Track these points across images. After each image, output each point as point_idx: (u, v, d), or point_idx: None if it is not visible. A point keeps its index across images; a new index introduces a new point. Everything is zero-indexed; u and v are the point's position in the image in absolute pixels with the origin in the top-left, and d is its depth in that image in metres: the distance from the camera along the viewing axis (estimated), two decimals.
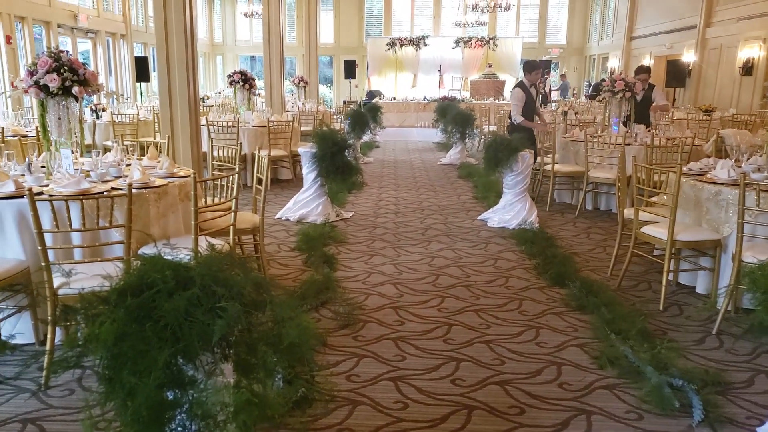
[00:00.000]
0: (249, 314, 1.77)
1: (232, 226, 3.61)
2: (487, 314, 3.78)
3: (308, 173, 6.23)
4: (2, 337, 3.24)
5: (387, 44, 23.37)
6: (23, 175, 3.66)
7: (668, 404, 2.65)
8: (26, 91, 3.59)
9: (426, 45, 23.20)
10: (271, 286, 1.89)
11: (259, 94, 12.94)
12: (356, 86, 23.38)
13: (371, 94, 22.00)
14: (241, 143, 6.05)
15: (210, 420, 1.72)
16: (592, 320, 3.61)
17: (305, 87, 13.27)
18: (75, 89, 3.60)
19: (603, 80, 7.31)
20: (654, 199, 4.49)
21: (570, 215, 6.60)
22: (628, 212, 4.30)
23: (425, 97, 21.36)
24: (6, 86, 11.18)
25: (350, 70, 22.32)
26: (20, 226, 3.12)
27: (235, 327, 1.71)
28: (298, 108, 12.21)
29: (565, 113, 9.62)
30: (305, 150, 6.19)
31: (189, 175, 3.93)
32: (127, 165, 3.97)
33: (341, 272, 4.57)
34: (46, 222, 2.98)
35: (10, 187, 3.20)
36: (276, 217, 6.28)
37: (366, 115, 10.69)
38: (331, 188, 6.23)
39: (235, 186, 3.53)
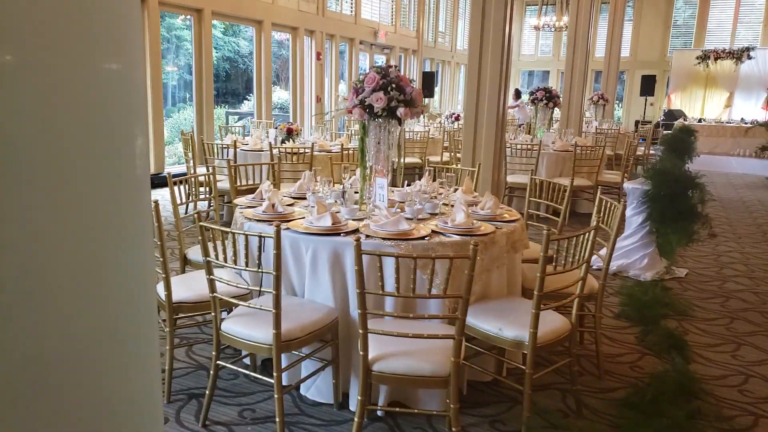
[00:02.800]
0: None
1: (577, 298, 2.67)
2: None
3: (634, 215, 5.01)
4: (300, 392, 2.84)
5: (697, 57, 20.22)
6: (336, 202, 3.28)
7: None
8: (350, 111, 3.18)
9: (750, 58, 19.45)
10: None
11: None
12: (651, 105, 20.85)
13: (671, 114, 19.29)
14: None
15: None
16: None
17: (604, 105, 11.84)
18: (400, 110, 3.06)
19: None
20: None
21: None
22: None
23: (743, 119, 17.90)
24: (313, 100, 12.18)
25: (648, 86, 19.93)
26: (333, 267, 2.65)
27: None
28: (595, 128, 10.88)
29: None
30: (633, 186, 5.00)
31: (516, 219, 3.14)
32: (444, 203, 3.34)
33: (699, 365, 3.32)
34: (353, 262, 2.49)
35: (327, 222, 2.76)
36: None
37: (686, 140, 8.87)
38: (665, 238, 4.92)
39: (589, 245, 2.58)
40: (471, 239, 2.72)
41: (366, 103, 3.07)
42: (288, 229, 2.79)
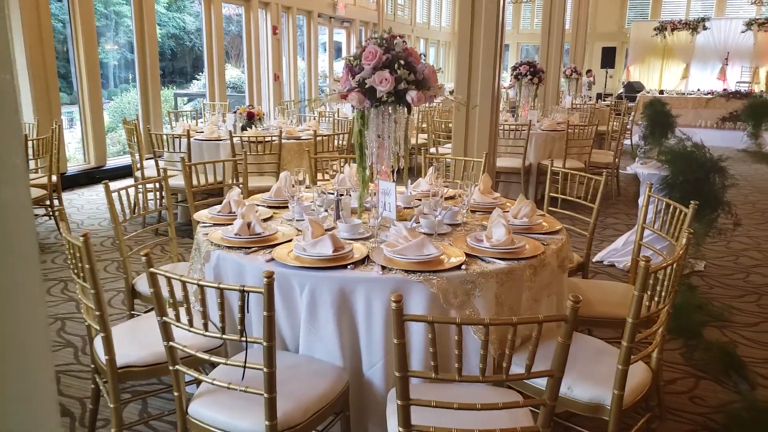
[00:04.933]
0: None
1: (660, 341, 2.04)
2: None
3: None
4: None
5: (655, 29, 20.07)
6: (328, 212, 2.57)
7: None
8: (344, 97, 2.45)
9: (706, 29, 19.39)
10: None
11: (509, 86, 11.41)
12: (611, 77, 20.66)
13: (630, 86, 19.14)
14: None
15: None
16: None
17: (577, 79, 11.36)
18: (412, 94, 2.36)
19: None
20: None
21: None
22: None
23: (699, 90, 17.84)
24: (270, 78, 11.25)
25: (609, 58, 19.74)
26: (339, 312, 1.96)
27: None
28: (571, 104, 10.38)
29: None
30: (649, 172, 4.45)
31: (558, 229, 2.50)
32: (482, 212, 2.66)
33: (766, 389, 2.79)
34: (361, 306, 1.84)
35: (326, 249, 2.05)
36: (595, 260, 4.66)
37: (668, 115, 8.48)
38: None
39: (672, 276, 1.95)
40: (518, 263, 2.07)
41: (366, 86, 2.35)
42: (273, 260, 2.08)
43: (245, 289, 1.51)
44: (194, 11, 13.26)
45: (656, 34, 20.24)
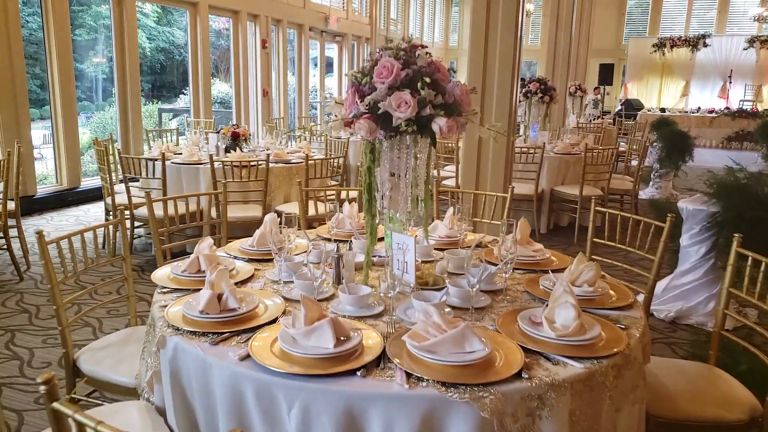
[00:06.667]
0: None
1: None
2: None
3: (693, 245, 3.89)
4: None
5: (653, 45, 19.72)
6: (325, 272, 1.94)
7: None
8: (349, 124, 1.85)
9: (706, 45, 19.03)
10: None
11: None
12: (608, 94, 20.20)
13: (629, 104, 18.71)
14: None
15: None
16: None
17: (582, 97, 10.85)
18: (440, 122, 1.76)
19: None
20: None
21: None
22: None
23: (699, 109, 17.44)
24: (258, 94, 10.67)
25: (606, 75, 19.30)
26: None
27: None
28: (576, 123, 9.87)
29: None
30: (695, 207, 3.87)
31: (630, 302, 1.89)
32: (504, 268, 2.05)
33: None
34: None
35: (325, 342, 1.43)
36: None
37: (687, 136, 7.94)
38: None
39: None
40: (598, 365, 1.46)
41: (379, 111, 1.75)
42: (248, 357, 1.46)
43: None
44: (183, 25, 12.70)
45: (655, 51, 19.87)
